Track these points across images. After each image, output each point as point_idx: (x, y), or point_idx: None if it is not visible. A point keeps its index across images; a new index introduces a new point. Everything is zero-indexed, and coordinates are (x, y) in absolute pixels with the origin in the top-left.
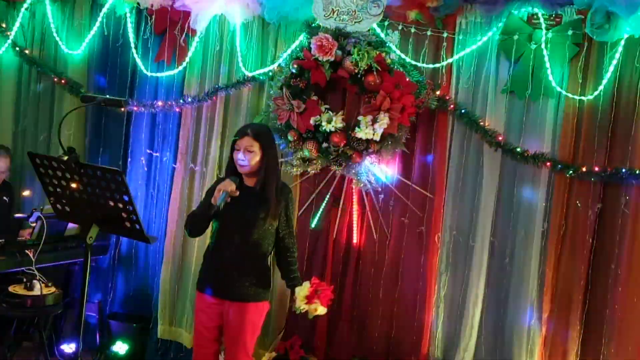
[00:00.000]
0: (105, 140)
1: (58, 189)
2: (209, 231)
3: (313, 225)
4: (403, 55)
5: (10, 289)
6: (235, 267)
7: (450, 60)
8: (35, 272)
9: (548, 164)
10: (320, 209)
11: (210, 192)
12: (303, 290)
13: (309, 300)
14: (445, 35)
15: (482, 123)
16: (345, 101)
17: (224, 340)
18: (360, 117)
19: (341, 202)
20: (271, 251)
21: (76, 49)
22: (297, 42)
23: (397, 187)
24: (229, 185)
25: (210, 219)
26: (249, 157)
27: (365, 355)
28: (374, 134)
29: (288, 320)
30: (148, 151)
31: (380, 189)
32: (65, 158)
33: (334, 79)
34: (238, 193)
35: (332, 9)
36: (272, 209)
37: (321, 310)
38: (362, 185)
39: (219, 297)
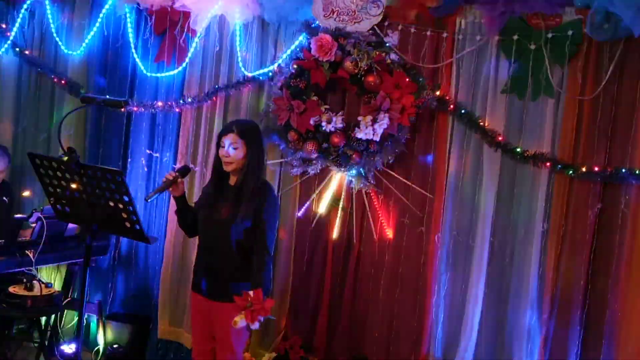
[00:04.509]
0: (105, 140)
1: (58, 190)
2: None
3: (313, 225)
4: (403, 56)
5: (10, 289)
6: (217, 267)
7: (450, 60)
8: (35, 273)
9: (548, 164)
10: (321, 209)
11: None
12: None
13: (236, 309)
14: (445, 35)
15: (482, 123)
16: (345, 101)
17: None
18: (360, 117)
19: (341, 202)
20: None
21: (76, 49)
22: (297, 42)
23: (397, 187)
24: (168, 175)
25: (186, 215)
26: (232, 154)
27: (365, 355)
28: (374, 134)
29: (288, 320)
30: (148, 151)
31: (380, 189)
32: (65, 158)
33: (334, 79)
34: (175, 180)
35: (332, 9)
36: (243, 208)
37: (250, 325)
38: (362, 185)
39: (207, 297)
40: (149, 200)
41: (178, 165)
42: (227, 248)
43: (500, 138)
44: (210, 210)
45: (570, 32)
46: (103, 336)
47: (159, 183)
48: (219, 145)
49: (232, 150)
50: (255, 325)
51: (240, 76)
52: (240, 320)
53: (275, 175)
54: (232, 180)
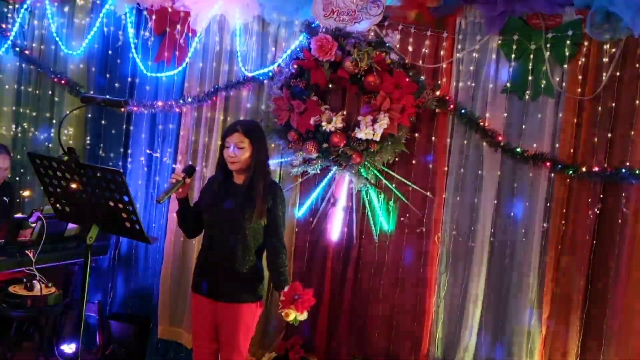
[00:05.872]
0: (105, 140)
1: (58, 189)
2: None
3: (313, 225)
4: (403, 56)
5: (10, 289)
6: (224, 268)
7: (450, 60)
8: (35, 272)
9: (548, 164)
10: (320, 209)
11: (203, 191)
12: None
13: (284, 305)
14: (445, 35)
15: (482, 123)
16: (345, 101)
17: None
18: (360, 117)
19: (341, 202)
20: (264, 251)
21: (76, 49)
22: (297, 42)
23: (397, 187)
24: (176, 176)
25: (188, 216)
26: (238, 154)
27: (365, 355)
28: (374, 134)
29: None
30: (148, 151)
31: (380, 189)
32: (65, 158)
33: (334, 79)
34: (183, 181)
35: (332, 9)
36: (257, 208)
37: (299, 316)
38: (362, 185)
39: (211, 298)
40: (161, 202)
41: (180, 166)
42: (236, 247)
43: (500, 138)
44: (218, 210)
45: (570, 32)
46: (103, 336)
47: (160, 183)
48: (223, 146)
49: (238, 150)
50: (304, 315)
51: (240, 76)
52: (292, 313)
53: (276, 176)
54: (239, 179)
